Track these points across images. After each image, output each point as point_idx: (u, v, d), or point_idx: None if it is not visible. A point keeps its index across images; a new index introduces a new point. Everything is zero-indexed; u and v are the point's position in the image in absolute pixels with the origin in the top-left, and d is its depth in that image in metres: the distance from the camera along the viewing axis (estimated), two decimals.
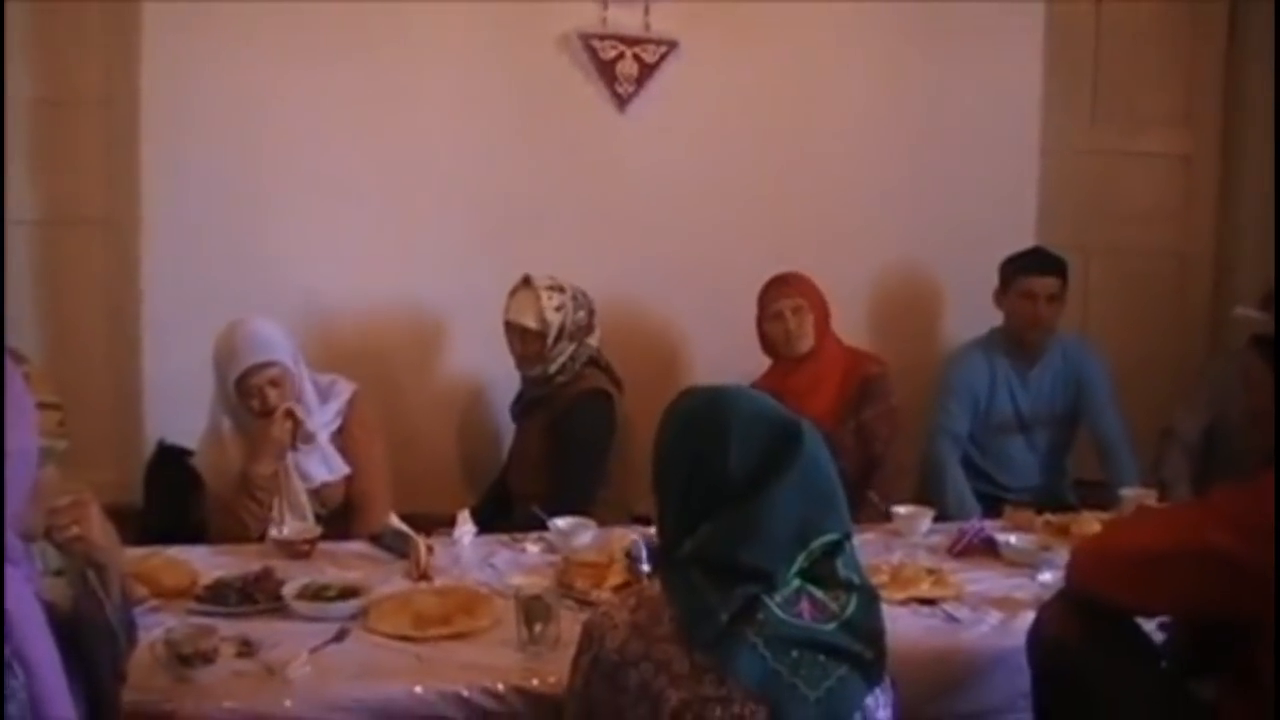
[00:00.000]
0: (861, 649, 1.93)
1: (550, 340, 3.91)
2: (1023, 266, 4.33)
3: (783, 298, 4.06)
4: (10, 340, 2.98)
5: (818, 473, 1.96)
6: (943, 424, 4.33)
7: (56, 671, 1.76)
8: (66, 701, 1.77)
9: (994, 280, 4.40)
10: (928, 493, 4.11)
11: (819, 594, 1.93)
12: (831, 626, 1.92)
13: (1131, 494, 3.72)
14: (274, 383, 3.45)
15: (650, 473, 2.07)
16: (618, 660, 1.93)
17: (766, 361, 4.16)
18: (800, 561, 1.92)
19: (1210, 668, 2.45)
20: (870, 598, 1.99)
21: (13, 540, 1.71)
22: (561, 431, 3.88)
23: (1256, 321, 4.07)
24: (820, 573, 1.94)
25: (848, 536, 1.97)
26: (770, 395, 2.11)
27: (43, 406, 2.05)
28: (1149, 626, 2.56)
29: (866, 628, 1.96)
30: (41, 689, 1.70)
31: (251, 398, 3.46)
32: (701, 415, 2.02)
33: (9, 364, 1.74)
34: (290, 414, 3.44)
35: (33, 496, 1.79)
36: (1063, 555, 2.86)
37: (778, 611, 1.89)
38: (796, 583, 1.92)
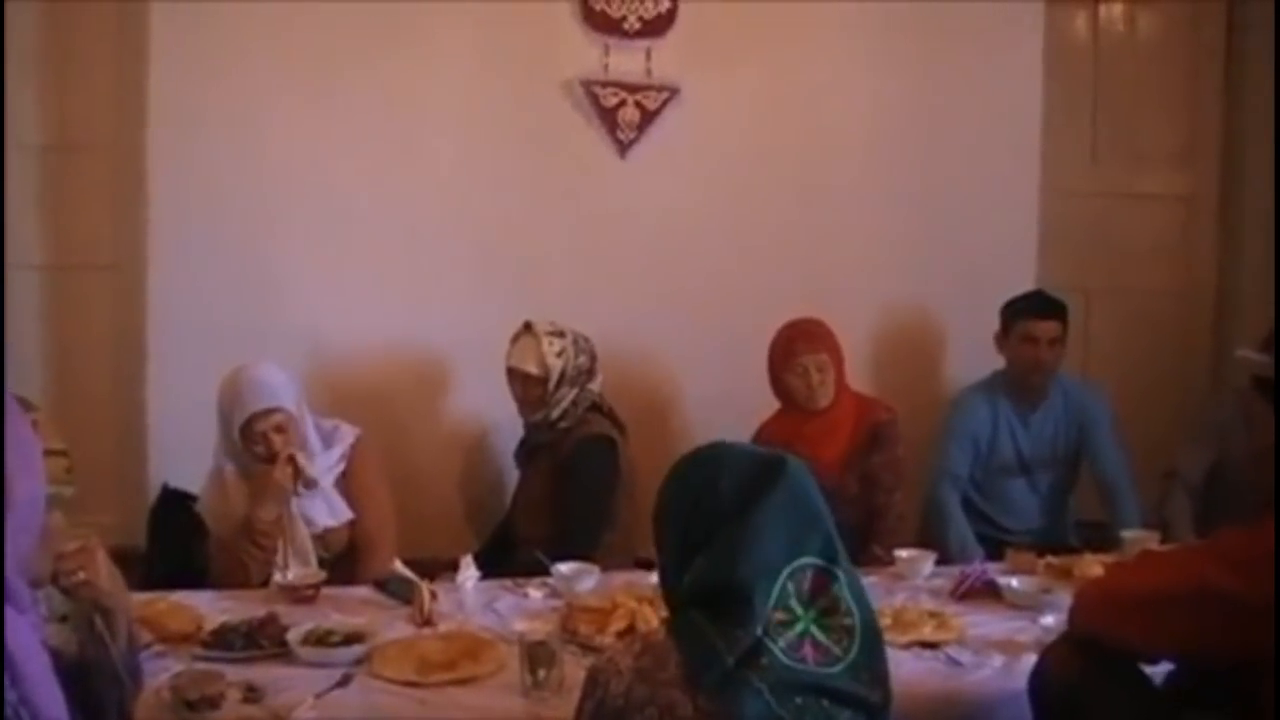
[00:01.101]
0: (866, 693, 1.95)
1: (552, 386, 3.92)
2: (1023, 310, 4.34)
3: (809, 353, 3.98)
4: (17, 384, 3.01)
5: (805, 496, 2.00)
6: (944, 467, 4.32)
7: (63, 718, 1.76)
8: None
9: (995, 321, 4.41)
10: (929, 536, 4.10)
11: (822, 638, 1.94)
12: (837, 669, 1.93)
13: (1133, 535, 3.73)
14: (278, 429, 3.46)
15: (652, 526, 2.11)
16: (622, 705, 1.93)
17: (769, 404, 4.12)
18: (789, 585, 1.93)
19: (1213, 706, 2.45)
20: (874, 638, 2.00)
21: (21, 587, 1.72)
22: (565, 477, 3.88)
23: (1257, 364, 4.08)
24: (824, 605, 1.96)
25: (835, 563, 1.99)
26: (781, 443, 2.14)
27: (50, 453, 2.06)
28: (1152, 670, 2.56)
29: (870, 670, 1.97)
30: None
31: (256, 444, 3.47)
32: (694, 460, 2.10)
33: (18, 412, 1.75)
34: (292, 460, 3.45)
35: (41, 543, 1.80)
36: (1065, 597, 2.86)
37: (782, 656, 1.90)
38: (801, 625, 1.93)
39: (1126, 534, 3.75)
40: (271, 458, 3.46)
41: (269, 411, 3.46)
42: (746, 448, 2.14)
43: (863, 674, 1.95)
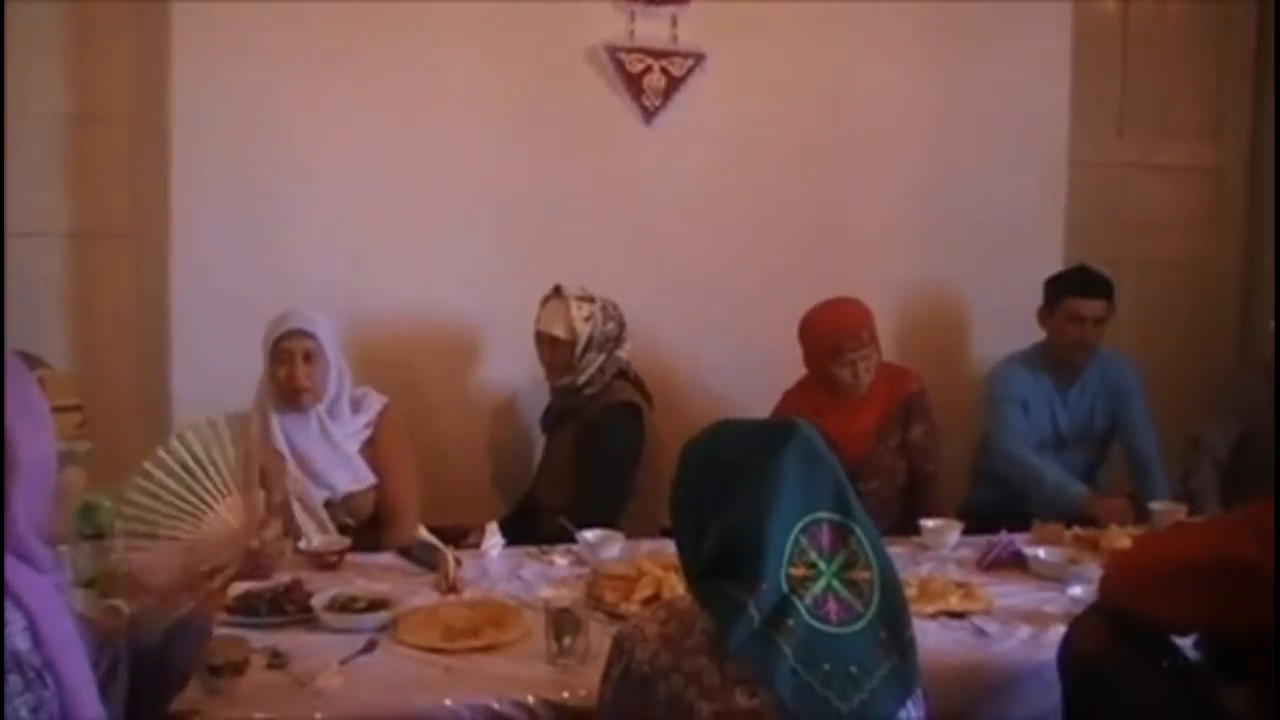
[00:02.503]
0: (888, 650, 1.94)
1: (579, 350, 3.92)
2: (1070, 287, 4.29)
3: (859, 347, 3.92)
4: (41, 351, 3.01)
5: (815, 453, 2.00)
6: (1004, 432, 4.28)
7: (88, 683, 1.76)
8: (98, 713, 1.77)
9: (1023, 294, 4.39)
10: (1022, 497, 4.07)
11: (845, 593, 1.94)
12: (859, 626, 1.93)
13: (1161, 508, 3.72)
14: (307, 356, 3.54)
15: (669, 510, 2.12)
16: (648, 672, 1.93)
17: (790, 374, 4.11)
18: (800, 535, 1.94)
19: (1240, 678, 2.45)
20: (894, 592, 2.00)
21: (38, 548, 1.71)
22: (590, 444, 3.88)
23: None
24: (845, 559, 1.96)
25: (851, 517, 1.99)
26: (810, 413, 2.14)
27: (61, 410, 2.06)
28: (1182, 642, 2.55)
29: (891, 626, 1.97)
30: (72, 700, 1.70)
31: (282, 364, 3.54)
32: (703, 434, 2.09)
33: (23, 371, 1.74)
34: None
35: (54, 501, 1.80)
36: (1092, 569, 2.86)
37: (806, 616, 1.90)
38: (824, 581, 1.93)
39: (1155, 506, 3.74)
40: (293, 389, 3.52)
41: (303, 334, 3.55)
42: (752, 420, 2.18)
43: (884, 629, 1.95)
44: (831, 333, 3.96)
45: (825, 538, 1.95)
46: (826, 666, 1.89)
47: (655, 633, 1.96)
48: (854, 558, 1.96)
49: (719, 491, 1.98)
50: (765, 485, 1.94)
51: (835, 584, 1.94)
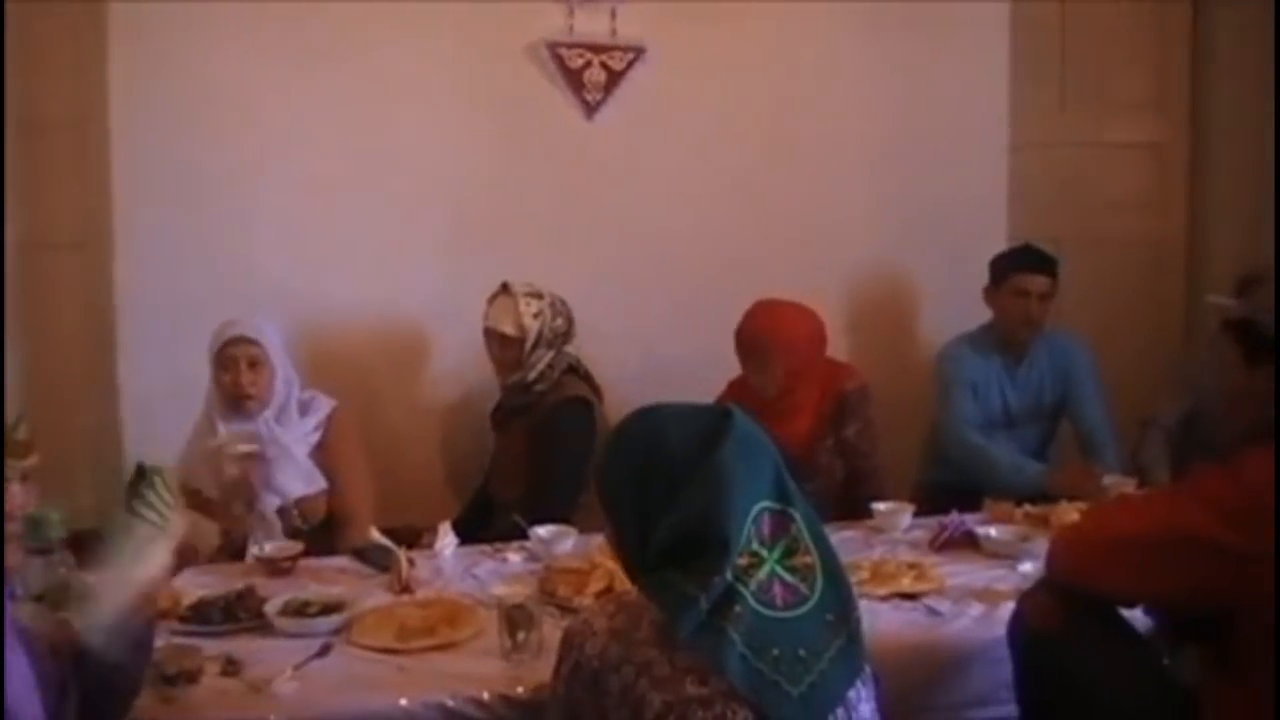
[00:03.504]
0: (835, 632, 1.96)
1: (528, 347, 3.93)
2: (1015, 264, 4.34)
3: (764, 357, 3.87)
4: None
5: (755, 440, 2.01)
6: (954, 414, 4.32)
7: (26, 686, 1.75)
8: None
9: (970, 276, 4.42)
10: (976, 481, 4.06)
11: (789, 578, 1.95)
12: (806, 609, 1.94)
13: (1111, 481, 3.74)
14: (252, 363, 3.53)
15: (600, 501, 2.11)
16: (598, 666, 1.93)
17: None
18: (751, 527, 1.94)
19: (1191, 649, 2.47)
20: (836, 573, 2.00)
21: None
22: (542, 439, 3.88)
23: (1227, 307, 4.09)
24: (786, 546, 1.97)
25: (791, 504, 1.99)
26: (749, 410, 2.12)
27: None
28: (1131, 613, 2.57)
29: (838, 607, 1.98)
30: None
31: (226, 371, 3.53)
32: (633, 427, 2.08)
33: None
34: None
35: None
36: (1043, 545, 2.87)
37: (753, 602, 1.90)
38: (768, 567, 1.94)
39: (1105, 480, 3.77)
40: (238, 395, 3.51)
41: (247, 341, 3.54)
42: (684, 405, 2.10)
43: (830, 612, 1.96)
44: (745, 336, 3.93)
45: (766, 526, 1.96)
46: (775, 651, 1.90)
47: (604, 626, 1.96)
48: (795, 544, 1.97)
49: (665, 490, 1.96)
50: (711, 483, 1.94)
51: (779, 569, 1.95)
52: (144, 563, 2.17)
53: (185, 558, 2.68)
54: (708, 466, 1.94)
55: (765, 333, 3.90)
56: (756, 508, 1.95)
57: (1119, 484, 3.72)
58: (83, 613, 2.14)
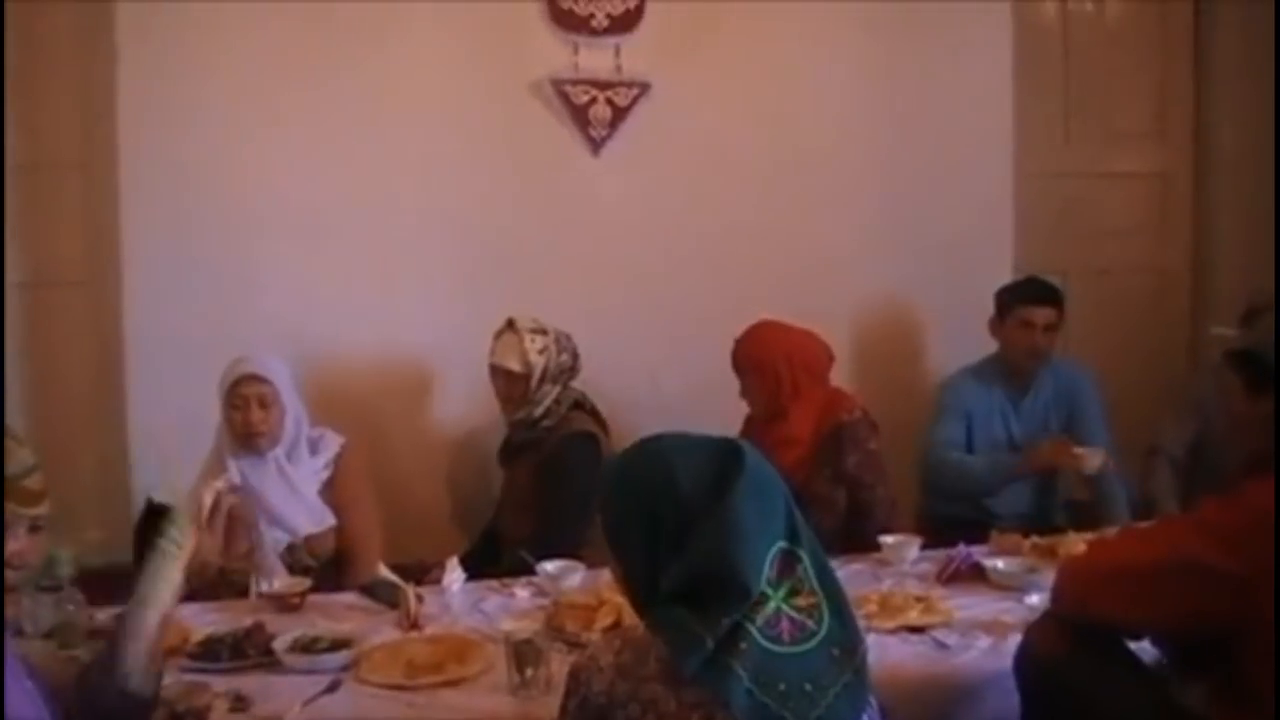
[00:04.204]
0: (842, 667, 1.95)
1: (534, 383, 3.93)
2: (1021, 296, 4.36)
3: (747, 374, 3.95)
4: None
5: (767, 477, 1.98)
6: (936, 439, 4.33)
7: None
8: None
9: (975, 307, 4.43)
10: (964, 498, 4.17)
11: (795, 614, 1.94)
12: (813, 644, 1.93)
13: (1083, 451, 4.00)
14: (262, 402, 3.53)
15: (606, 536, 2.08)
16: (605, 703, 1.92)
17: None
18: (767, 569, 1.92)
19: (1197, 677, 2.47)
20: (841, 608, 1.99)
21: None
22: (549, 474, 3.88)
23: (1230, 338, 4.11)
24: (791, 586, 1.95)
25: (798, 543, 1.97)
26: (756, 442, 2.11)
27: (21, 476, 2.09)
28: (1139, 645, 2.57)
29: (844, 643, 1.96)
30: None
31: (237, 409, 3.53)
32: (639, 463, 2.04)
33: None
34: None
35: None
36: (1050, 577, 2.87)
37: (759, 638, 1.89)
38: (774, 604, 1.93)
39: (1076, 450, 4.01)
40: (249, 433, 3.52)
41: (258, 379, 3.54)
42: (689, 438, 2.05)
43: (836, 646, 1.95)
44: (737, 352, 3.98)
45: (775, 567, 1.95)
46: (782, 686, 1.89)
47: (610, 662, 1.95)
48: (800, 585, 1.94)
49: (675, 532, 1.94)
50: (726, 527, 1.91)
51: (784, 607, 1.94)
52: (162, 583, 2.20)
53: (196, 574, 2.67)
54: (721, 510, 1.92)
55: (754, 346, 3.94)
56: (772, 551, 1.94)
57: (1092, 453, 3.87)
58: (122, 656, 2.15)
